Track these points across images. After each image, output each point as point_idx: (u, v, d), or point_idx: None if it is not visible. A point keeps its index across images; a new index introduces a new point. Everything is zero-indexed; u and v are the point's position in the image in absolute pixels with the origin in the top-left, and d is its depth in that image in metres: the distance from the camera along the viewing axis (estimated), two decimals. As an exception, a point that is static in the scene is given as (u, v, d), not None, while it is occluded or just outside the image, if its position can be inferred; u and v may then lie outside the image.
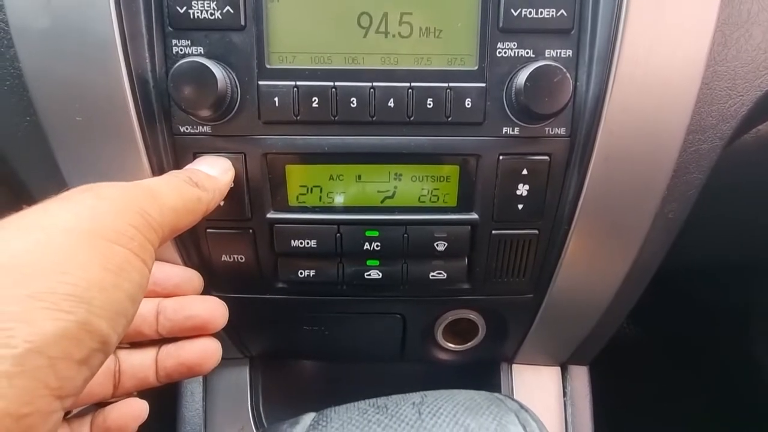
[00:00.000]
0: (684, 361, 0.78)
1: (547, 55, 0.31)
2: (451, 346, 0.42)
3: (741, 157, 0.42)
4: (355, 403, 0.27)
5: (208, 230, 0.34)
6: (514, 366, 0.46)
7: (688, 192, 0.36)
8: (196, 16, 0.30)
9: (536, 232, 0.35)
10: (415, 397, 0.25)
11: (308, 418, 0.27)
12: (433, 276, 0.36)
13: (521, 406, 0.25)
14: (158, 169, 0.32)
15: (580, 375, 0.45)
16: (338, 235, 0.34)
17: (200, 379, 0.47)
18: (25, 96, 0.31)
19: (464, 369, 0.46)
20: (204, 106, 0.29)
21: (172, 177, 0.28)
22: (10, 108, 0.32)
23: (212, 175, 0.30)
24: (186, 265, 0.36)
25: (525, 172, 0.33)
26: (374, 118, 0.31)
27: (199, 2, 0.30)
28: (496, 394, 0.27)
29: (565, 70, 0.29)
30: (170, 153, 0.32)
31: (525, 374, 0.45)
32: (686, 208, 0.37)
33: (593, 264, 0.37)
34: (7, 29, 0.30)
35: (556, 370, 0.46)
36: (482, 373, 0.47)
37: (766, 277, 0.59)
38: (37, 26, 0.29)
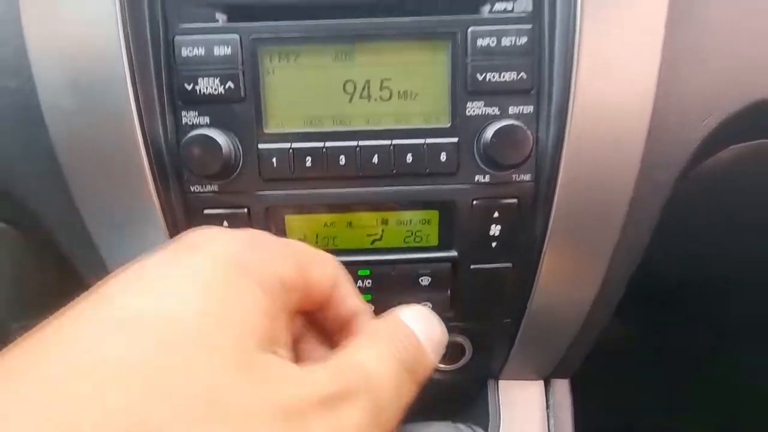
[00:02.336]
0: (670, 371, 0.81)
1: (510, 112, 0.35)
2: (441, 366, 0.46)
3: (697, 186, 0.46)
4: None
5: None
6: (500, 382, 0.50)
7: (646, 221, 0.40)
8: (202, 92, 0.34)
9: (510, 265, 0.39)
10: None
11: None
12: (420, 307, 0.40)
13: None
14: (171, 223, 0.36)
15: (562, 388, 0.49)
16: None
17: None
18: (55, 165, 0.35)
19: (455, 385, 0.50)
20: (212, 171, 0.34)
21: (393, 365, 0.20)
22: (41, 174, 0.36)
23: (428, 353, 0.22)
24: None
25: (496, 214, 0.37)
26: (361, 173, 0.35)
27: (205, 80, 0.34)
28: (459, 425, 0.31)
29: (525, 128, 0.33)
30: (182, 209, 0.36)
31: (510, 389, 0.49)
32: (646, 236, 0.41)
33: (564, 289, 0.41)
34: (37, 107, 0.34)
35: (539, 384, 0.49)
36: (472, 388, 0.50)
37: (737, 290, 0.63)
38: (65, 105, 0.34)
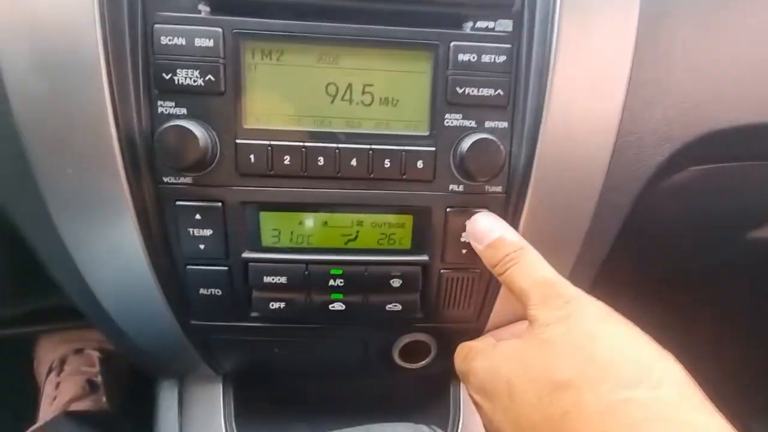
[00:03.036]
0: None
1: (486, 126, 0.36)
2: (406, 364, 0.48)
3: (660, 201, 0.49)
4: None
5: (187, 267, 0.38)
6: (462, 380, 0.52)
7: (605, 236, 0.43)
8: (180, 83, 0.34)
9: (478, 270, 0.40)
10: (360, 429, 0.31)
11: None
12: (389, 308, 0.41)
13: None
14: (142, 213, 0.35)
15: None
16: (306, 272, 0.38)
17: (176, 394, 0.50)
18: (18, 145, 0.34)
19: (420, 383, 0.52)
20: (187, 164, 0.33)
21: None
22: (2, 155, 0.35)
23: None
24: (166, 296, 0.39)
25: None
26: (339, 174, 0.36)
27: (183, 71, 0.33)
28: (421, 426, 0.32)
29: (499, 143, 0.35)
30: (154, 200, 0.35)
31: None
32: (605, 248, 0.44)
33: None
34: (1, 87, 0.33)
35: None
36: (435, 385, 0.52)
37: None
38: (32, 88, 0.32)
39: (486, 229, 0.36)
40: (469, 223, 0.37)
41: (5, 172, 0.35)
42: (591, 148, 0.37)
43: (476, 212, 0.37)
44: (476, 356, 0.34)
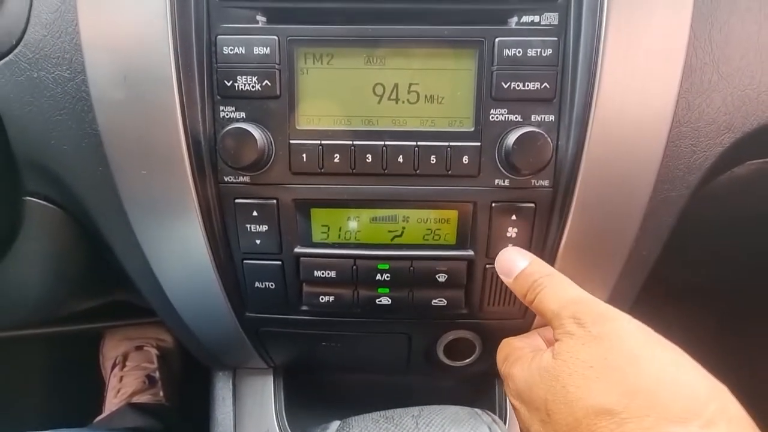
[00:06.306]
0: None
1: (532, 120, 0.36)
2: (450, 362, 0.48)
3: (716, 198, 0.46)
4: (369, 414, 0.33)
5: (244, 261, 0.41)
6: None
7: (659, 233, 0.41)
8: (240, 88, 0.36)
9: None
10: (415, 410, 0.31)
11: (335, 425, 0.33)
12: (435, 303, 0.41)
13: (494, 420, 0.31)
14: (205, 210, 0.38)
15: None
16: (354, 267, 0.40)
17: (230, 385, 0.53)
18: (100, 151, 0.38)
19: (464, 383, 0.51)
20: (246, 163, 0.36)
21: None
22: (87, 160, 0.39)
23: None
24: (225, 289, 0.42)
25: (514, 217, 0.38)
26: (386, 171, 0.37)
27: (243, 77, 0.36)
28: (476, 410, 0.33)
29: (546, 135, 0.35)
30: (215, 198, 0.38)
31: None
32: (658, 247, 0.42)
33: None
34: (87, 98, 0.37)
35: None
36: (479, 386, 0.52)
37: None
38: (113, 97, 0.36)
39: (512, 260, 0.36)
40: (496, 260, 0.38)
41: (90, 175, 0.39)
42: (643, 139, 0.36)
43: (508, 250, 0.38)
44: (515, 363, 0.34)
